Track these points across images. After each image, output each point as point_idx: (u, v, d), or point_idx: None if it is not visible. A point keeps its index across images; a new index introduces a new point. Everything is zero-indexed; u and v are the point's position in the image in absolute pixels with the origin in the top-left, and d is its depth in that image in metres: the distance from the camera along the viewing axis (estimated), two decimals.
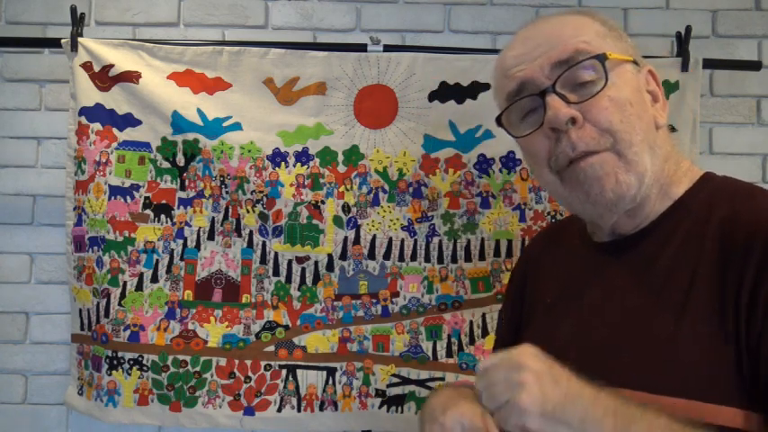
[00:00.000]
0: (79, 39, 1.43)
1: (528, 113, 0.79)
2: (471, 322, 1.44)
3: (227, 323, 1.44)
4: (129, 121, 1.44)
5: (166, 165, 1.45)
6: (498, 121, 0.83)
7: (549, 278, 0.90)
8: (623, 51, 0.77)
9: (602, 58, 0.73)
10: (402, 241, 1.45)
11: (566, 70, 0.74)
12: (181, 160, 1.45)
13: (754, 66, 1.54)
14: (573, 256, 0.88)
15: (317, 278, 1.44)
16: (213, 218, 1.45)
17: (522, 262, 1.04)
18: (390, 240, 1.45)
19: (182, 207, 1.45)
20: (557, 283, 0.87)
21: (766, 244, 0.66)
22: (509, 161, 1.45)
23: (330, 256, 1.45)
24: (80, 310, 1.46)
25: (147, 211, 1.44)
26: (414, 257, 1.45)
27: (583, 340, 0.77)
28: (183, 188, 1.45)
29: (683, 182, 0.79)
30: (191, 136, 1.43)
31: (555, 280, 0.88)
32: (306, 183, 1.45)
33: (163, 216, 1.45)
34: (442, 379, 1.42)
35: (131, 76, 1.43)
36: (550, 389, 0.63)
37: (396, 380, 1.43)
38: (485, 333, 1.43)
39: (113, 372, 1.41)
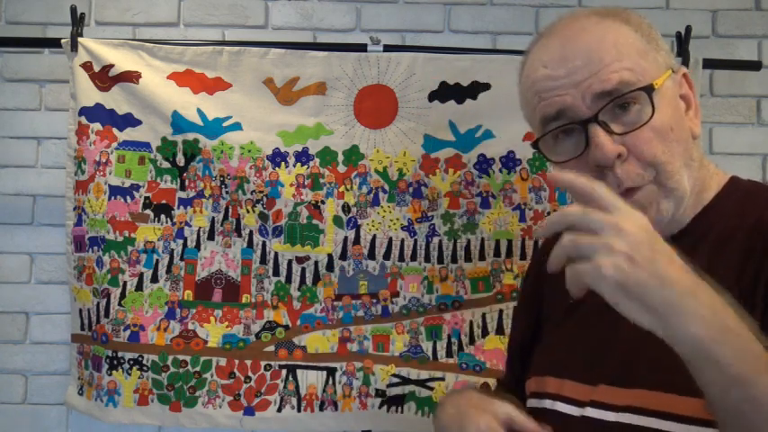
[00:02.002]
0: (79, 39, 1.43)
1: (561, 133, 0.76)
2: (471, 322, 1.44)
3: (227, 323, 1.44)
4: (129, 121, 1.44)
5: (166, 165, 1.45)
6: (535, 144, 0.80)
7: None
8: (662, 65, 0.74)
9: (649, 90, 0.70)
10: (402, 241, 1.45)
11: (609, 102, 0.70)
12: (181, 160, 1.45)
13: (754, 66, 1.54)
14: None
15: (317, 278, 1.45)
16: (213, 218, 1.45)
17: (537, 261, 1.01)
18: (390, 240, 1.45)
19: (182, 207, 1.45)
20: None
21: None
22: (509, 161, 1.45)
23: (330, 256, 1.45)
24: (80, 310, 1.46)
25: (147, 211, 1.44)
26: (414, 257, 1.45)
27: (608, 340, 0.76)
28: (183, 188, 1.45)
29: (712, 186, 0.77)
30: (191, 136, 1.44)
31: None
32: (306, 183, 1.45)
33: (163, 216, 1.45)
34: (442, 379, 1.42)
35: (131, 76, 1.43)
36: (642, 264, 0.56)
37: (396, 380, 1.43)
38: (485, 333, 1.43)
39: (113, 372, 1.41)
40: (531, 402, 0.85)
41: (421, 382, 1.43)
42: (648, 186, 0.72)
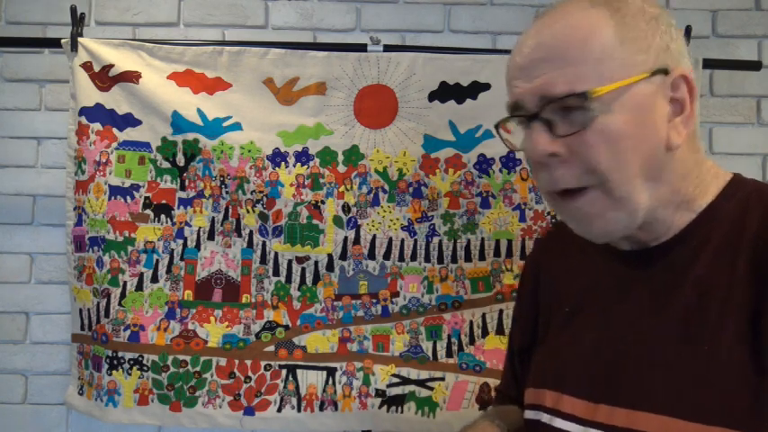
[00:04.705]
0: (79, 39, 1.43)
1: (521, 122, 0.74)
2: (471, 322, 1.44)
3: (227, 323, 1.44)
4: (129, 121, 1.44)
5: (166, 165, 1.45)
6: (497, 126, 0.78)
7: (566, 283, 0.85)
8: (638, 66, 0.67)
9: (583, 97, 0.66)
10: (402, 241, 1.45)
11: (549, 102, 0.68)
12: (181, 160, 1.45)
13: (754, 66, 1.54)
14: (591, 262, 0.82)
15: (317, 278, 1.45)
16: (213, 218, 1.45)
17: (532, 262, 0.98)
18: (390, 240, 1.45)
19: (182, 207, 1.45)
20: (575, 291, 0.83)
21: None
22: (509, 161, 1.45)
23: (330, 256, 1.45)
24: (80, 310, 1.46)
25: (147, 211, 1.44)
26: (414, 257, 1.45)
27: (610, 358, 0.74)
28: (183, 188, 1.45)
29: (710, 190, 0.72)
30: (191, 136, 1.44)
31: (573, 287, 0.84)
32: (306, 183, 1.45)
33: (163, 216, 1.45)
34: (442, 379, 1.42)
35: (131, 76, 1.43)
36: None
37: (396, 380, 1.43)
38: (485, 333, 1.43)
39: (113, 372, 1.41)
40: (528, 414, 0.83)
41: (421, 382, 1.43)
42: (593, 192, 0.68)
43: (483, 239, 1.45)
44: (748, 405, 0.62)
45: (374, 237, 1.45)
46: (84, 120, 1.43)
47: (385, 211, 1.45)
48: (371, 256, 1.45)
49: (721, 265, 0.67)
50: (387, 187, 1.46)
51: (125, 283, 1.43)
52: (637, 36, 0.68)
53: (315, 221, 1.44)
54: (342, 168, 1.46)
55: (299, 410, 1.43)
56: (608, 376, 0.73)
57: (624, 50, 0.67)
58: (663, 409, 0.66)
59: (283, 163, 1.45)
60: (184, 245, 1.45)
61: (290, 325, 1.44)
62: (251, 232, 1.45)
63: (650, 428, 0.66)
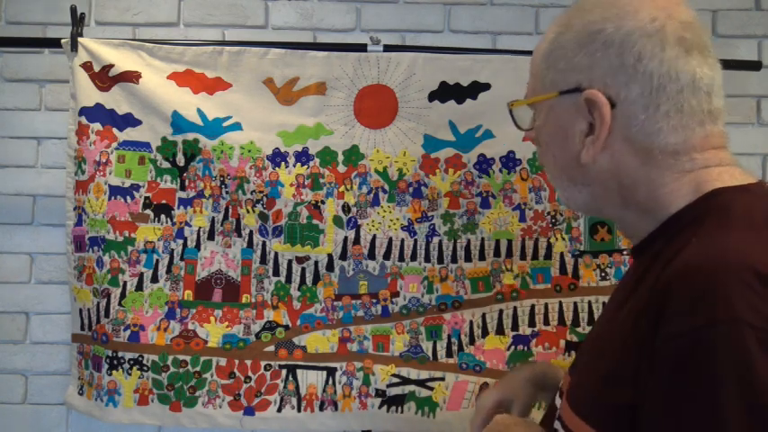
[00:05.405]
0: (79, 39, 1.43)
1: None
2: (471, 322, 1.44)
3: (227, 323, 1.44)
4: (129, 121, 1.44)
5: (166, 165, 1.45)
6: None
7: None
8: (554, 82, 0.71)
9: (509, 107, 0.81)
10: (402, 241, 1.45)
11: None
12: (181, 160, 1.45)
13: (754, 66, 1.54)
14: None
15: (317, 278, 1.45)
16: (213, 218, 1.45)
17: None
18: (390, 240, 1.45)
19: (182, 207, 1.45)
20: None
21: (669, 303, 0.56)
22: (509, 161, 1.45)
23: (330, 256, 1.45)
24: (80, 310, 1.46)
25: (147, 212, 1.44)
26: (414, 257, 1.45)
27: (581, 355, 0.80)
28: (183, 188, 1.45)
29: (678, 202, 0.67)
30: (191, 136, 1.44)
31: None
32: (306, 183, 1.45)
33: (163, 216, 1.45)
34: (442, 379, 1.42)
35: (131, 76, 1.43)
36: None
37: (396, 380, 1.43)
38: (485, 333, 1.43)
39: (113, 372, 1.41)
40: None
41: (421, 382, 1.43)
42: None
43: (483, 239, 1.45)
44: (607, 418, 0.62)
45: (374, 237, 1.45)
46: (84, 120, 1.43)
47: (385, 211, 1.45)
48: (371, 256, 1.45)
49: (648, 282, 0.63)
50: (387, 187, 1.46)
51: (125, 283, 1.43)
52: (559, 55, 0.72)
53: (315, 221, 1.44)
54: (342, 168, 1.46)
55: (298, 410, 1.43)
56: (576, 366, 0.78)
57: (546, 69, 0.74)
58: (575, 408, 0.68)
59: (283, 163, 1.45)
60: (184, 245, 1.45)
61: (290, 325, 1.44)
62: (251, 232, 1.45)
63: (569, 424, 0.69)
